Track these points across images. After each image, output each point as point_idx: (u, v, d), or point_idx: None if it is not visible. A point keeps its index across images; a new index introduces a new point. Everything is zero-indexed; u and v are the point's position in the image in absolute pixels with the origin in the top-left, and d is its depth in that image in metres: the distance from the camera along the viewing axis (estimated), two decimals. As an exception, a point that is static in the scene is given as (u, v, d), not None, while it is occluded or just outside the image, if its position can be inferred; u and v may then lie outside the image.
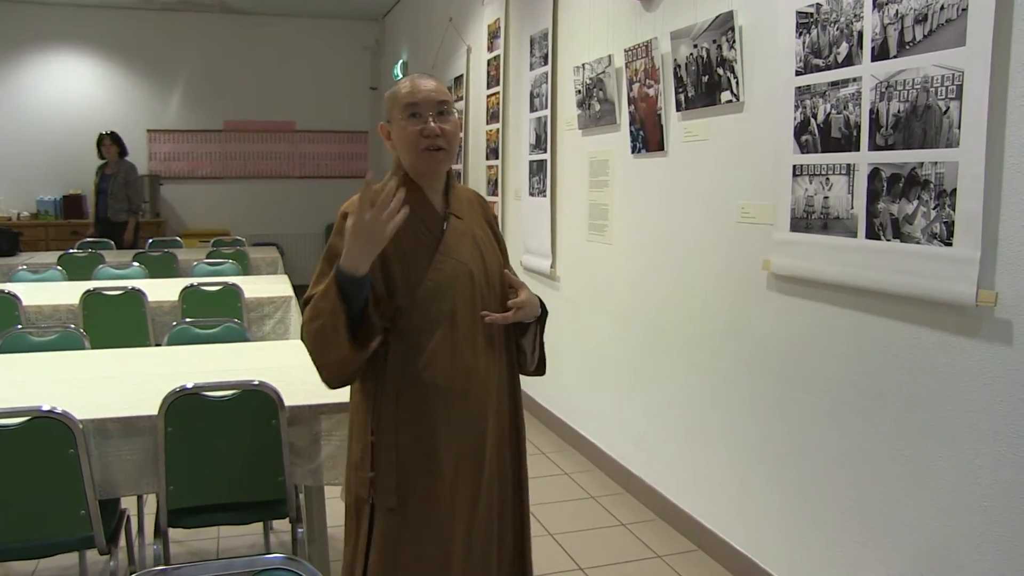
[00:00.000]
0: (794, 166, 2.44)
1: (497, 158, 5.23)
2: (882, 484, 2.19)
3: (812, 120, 2.35)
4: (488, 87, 5.37)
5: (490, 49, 5.30)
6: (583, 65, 3.82)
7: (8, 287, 4.04)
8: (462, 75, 5.96)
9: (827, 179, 2.31)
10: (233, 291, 4.07)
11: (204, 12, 8.69)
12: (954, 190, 1.90)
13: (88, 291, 3.92)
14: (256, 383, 2.20)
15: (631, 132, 3.46)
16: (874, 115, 2.13)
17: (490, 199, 5.26)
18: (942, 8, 1.91)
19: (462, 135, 5.85)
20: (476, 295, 1.76)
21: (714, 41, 2.81)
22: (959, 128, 1.88)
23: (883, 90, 2.09)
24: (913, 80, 2.00)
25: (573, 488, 3.65)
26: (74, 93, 8.49)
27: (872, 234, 2.15)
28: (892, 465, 2.16)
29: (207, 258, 5.59)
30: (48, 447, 2.02)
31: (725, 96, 2.79)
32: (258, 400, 2.20)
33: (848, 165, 2.22)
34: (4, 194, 8.37)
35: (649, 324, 3.41)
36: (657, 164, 3.30)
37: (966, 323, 1.93)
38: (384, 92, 8.63)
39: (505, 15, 4.98)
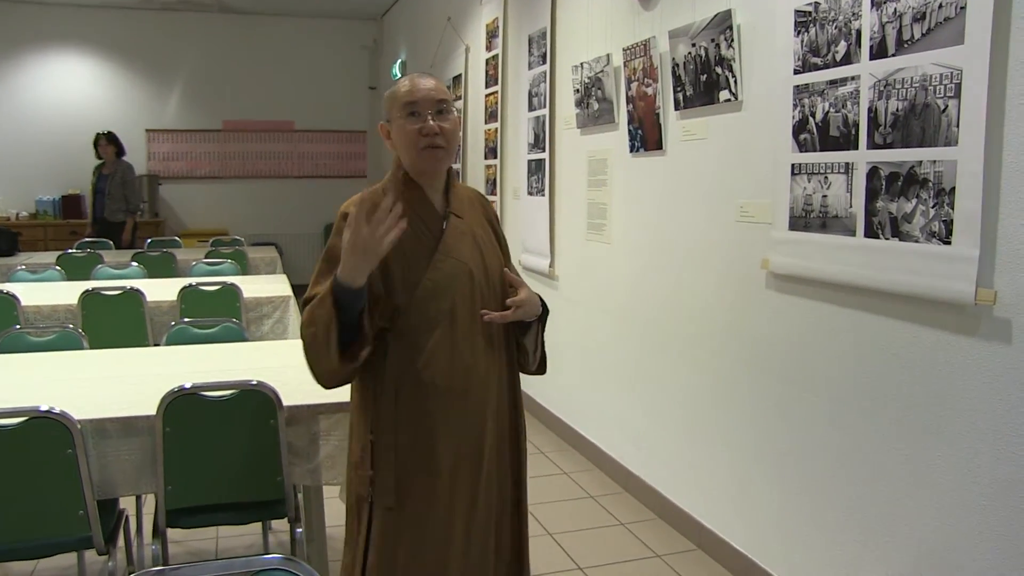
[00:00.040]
0: (792, 165, 2.44)
1: (495, 157, 5.23)
2: (881, 483, 2.19)
3: (811, 119, 2.35)
4: (486, 86, 5.36)
5: (488, 48, 5.29)
6: (581, 64, 3.82)
7: (7, 287, 4.04)
8: (460, 74, 5.96)
9: (826, 178, 2.30)
10: (232, 291, 4.07)
11: (203, 12, 8.69)
12: (953, 188, 1.90)
13: (87, 291, 3.91)
14: (254, 383, 2.20)
15: (629, 131, 3.45)
16: (872, 114, 2.12)
17: (489, 198, 5.26)
18: (940, 6, 1.91)
19: (461, 134, 5.84)
20: (476, 294, 1.76)
21: (712, 40, 2.80)
22: (958, 126, 1.88)
23: (881, 88, 2.09)
24: (911, 78, 2.00)
25: (572, 488, 3.64)
26: (73, 93, 8.48)
27: (871, 233, 2.15)
28: (891, 464, 2.16)
29: (206, 258, 5.58)
30: (46, 447, 2.02)
31: (723, 95, 2.79)
32: (256, 400, 2.20)
33: (847, 164, 2.22)
34: (3, 194, 8.37)
35: (648, 323, 3.41)
36: (656, 163, 3.30)
37: (965, 322, 1.93)
38: (383, 92, 8.57)
39: (503, 14, 4.98)
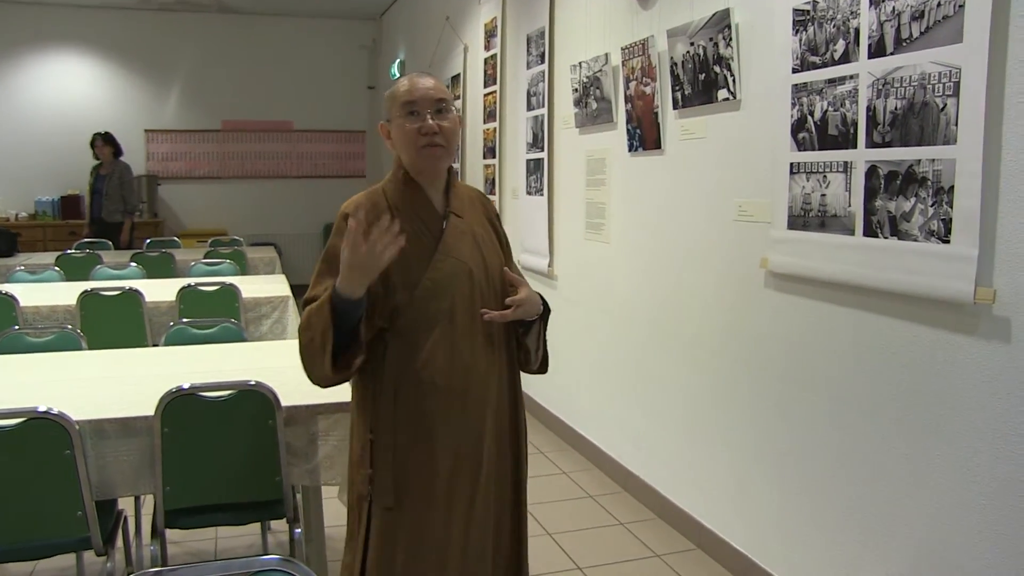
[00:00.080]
0: (791, 164, 2.43)
1: (494, 157, 5.22)
2: (881, 482, 2.19)
3: (809, 117, 2.35)
4: (485, 86, 5.36)
5: (487, 48, 5.29)
6: (580, 63, 3.82)
7: (5, 288, 4.03)
8: (459, 74, 5.96)
9: (824, 177, 2.30)
10: (230, 291, 4.06)
11: (202, 12, 8.68)
12: (951, 187, 1.89)
13: (85, 291, 3.91)
14: (253, 383, 2.20)
15: (628, 130, 3.45)
16: (871, 112, 2.12)
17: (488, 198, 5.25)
18: (939, 5, 1.90)
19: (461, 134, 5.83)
20: (476, 294, 1.76)
21: (711, 39, 2.80)
22: (956, 125, 1.87)
23: (880, 87, 2.09)
24: (910, 77, 1.99)
25: (571, 487, 3.64)
26: (72, 93, 8.48)
27: (870, 232, 2.15)
28: (891, 463, 2.15)
29: (205, 258, 5.58)
30: (44, 448, 2.01)
31: (722, 94, 2.79)
32: (255, 400, 2.20)
33: (845, 163, 2.22)
34: (2, 195, 8.36)
35: (647, 322, 3.40)
36: (654, 162, 3.29)
37: (964, 321, 1.93)
38: (381, 91, 8.55)
39: (502, 14, 4.97)
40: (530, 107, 4.54)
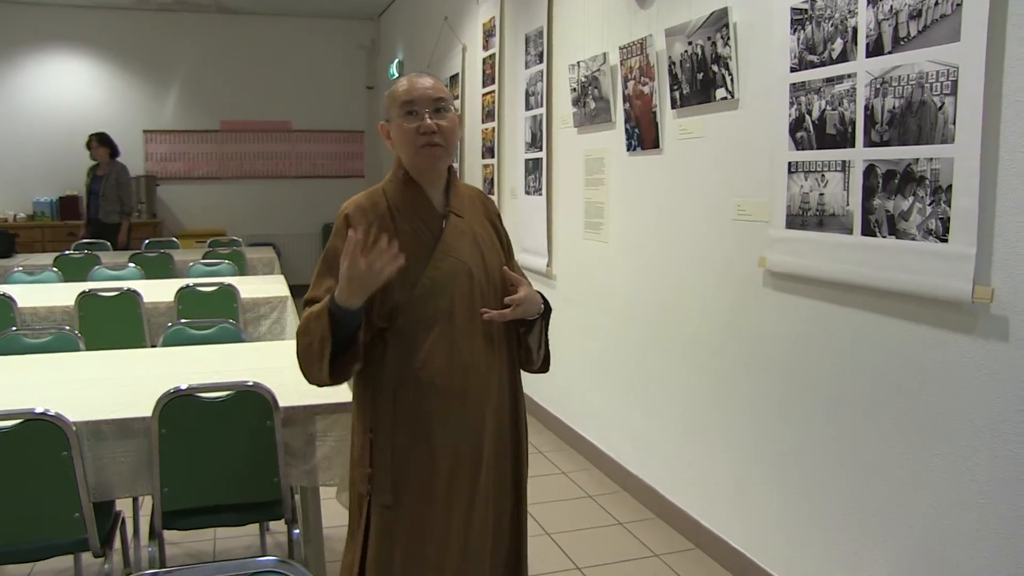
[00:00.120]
0: (789, 163, 2.43)
1: (493, 157, 5.22)
2: (880, 482, 2.18)
3: (807, 117, 2.34)
4: (483, 86, 5.36)
5: (485, 47, 5.29)
6: (578, 63, 3.81)
7: (3, 289, 4.03)
8: (457, 74, 5.95)
9: (822, 176, 2.30)
10: (229, 292, 4.06)
11: (200, 12, 8.67)
12: (949, 186, 1.89)
13: (83, 292, 3.91)
14: (250, 384, 2.19)
15: (626, 130, 3.45)
16: (869, 111, 2.12)
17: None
18: (936, 4, 1.90)
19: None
20: (475, 293, 1.76)
21: (709, 38, 2.80)
22: (954, 124, 1.87)
23: (878, 86, 2.08)
24: (908, 76, 1.99)
25: (570, 487, 3.64)
26: (70, 94, 8.47)
27: (868, 231, 2.14)
28: (889, 463, 2.15)
29: (203, 259, 5.57)
30: (41, 449, 2.01)
31: (720, 93, 2.79)
32: (253, 401, 2.19)
33: (843, 162, 2.22)
34: (0, 195, 8.35)
35: (645, 322, 3.40)
36: (652, 162, 3.29)
37: (962, 319, 1.92)
38: (380, 91, 8.54)
39: (500, 13, 4.97)
40: (528, 107, 4.53)
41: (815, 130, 2.32)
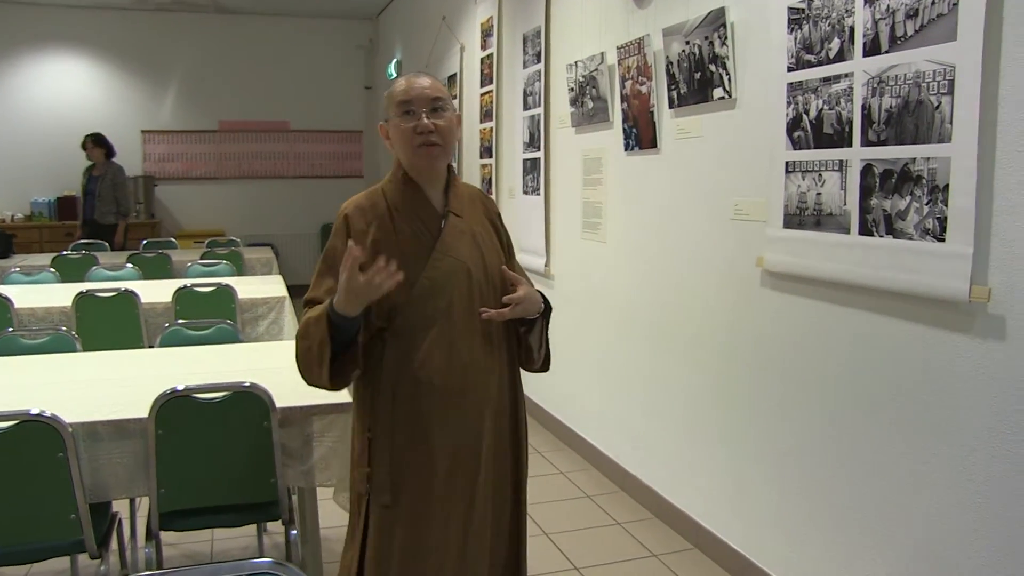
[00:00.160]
0: (787, 162, 2.43)
1: (491, 157, 5.22)
2: (878, 481, 2.18)
3: (804, 116, 2.34)
4: (481, 85, 5.35)
5: (483, 47, 5.28)
6: (576, 63, 3.81)
7: (0, 290, 4.02)
8: (455, 73, 5.95)
9: (820, 175, 2.30)
10: (227, 292, 4.05)
11: (198, 12, 8.66)
12: (947, 185, 1.89)
13: (81, 293, 3.90)
14: (247, 384, 2.19)
15: (624, 130, 3.45)
16: (866, 111, 2.12)
17: (485, 198, 5.24)
18: (933, 3, 1.90)
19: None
20: (474, 293, 1.76)
21: (706, 38, 2.79)
22: (951, 123, 1.87)
23: (875, 85, 2.08)
24: (905, 75, 1.99)
25: (568, 487, 3.64)
26: (68, 94, 8.46)
27: (865, 230, 2.14)
28: (888, 462, 2.15)
29: (201, 259, 5.56)
30: (37, 451, 2.00)
31: (717, 93, 2.78)
32: (249, 402, 2.19)
33: (841, 161, 2.21)
34: (-2, 196, 8.36)
35: (643, 321, 3.40)
36: (650, 162, 3.29)
37: (960, 319, 1.92)
38: (379, 91, 8.53)
39: (498, 13, 4.97)
40: (526, 106, 4.53)
41: (812, 130, 2.31)
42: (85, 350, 3.07)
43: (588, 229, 3.87)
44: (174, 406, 2.13)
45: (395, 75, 7.76)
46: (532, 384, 4.59)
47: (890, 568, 2.15)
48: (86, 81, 8.52)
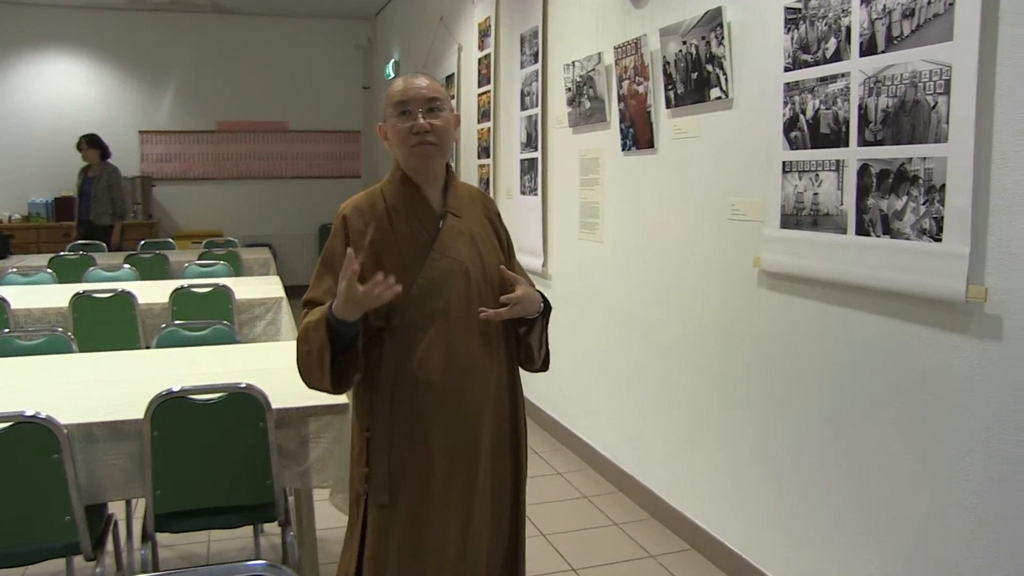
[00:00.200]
0: (784, 162, 2.43)
1: (488, 157, 5.21)
2: (876, 482, 2.18)
3: (801, 116, 2.34)
4: (479, 86, 5.35)
5: (481, 47, 5.28)
6: (573, 63, 3.81)
7: (-3, 290, 4.02)
8: (453, 74, 5.94)
9: (817, 175, 2.29)
10: (224, 293, 4.05)
11: (196, 12, 8.66)
12: (943, 185, 1.89)
13: (78, 294, 3.89)
14: (243, 385, 2.18)
15: (621, 130, 3.44)
16: (863, 110, 2.11)
17: (482, 198, 5.23)
18: (929, 3, 1.90)
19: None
20: (472, 293, 1.76)
21: (703, 38, 2.79)
22: (947, 123, 1.87)
23: (872, 85, 2.08)
24: (901, 75, 1.99)
25: (566, 488, 3.63)
26: (66, 95, 8.45)
27: (862, 230, 2.14)
28: (885, 462, 2.15)
29: (199, 260, 5.56)
30: (32, 453, 2.00)
31: (714, 93, 2.78)
32: (245, 403, 2.18)
33: (837, 161, 2.21)
34: (-5, 197, 8.35)
35: (641, 322, 3.40)
36: (647, 162, 3.28)
37: (956, 319, 1.92)
38: (376, 92, 8.52)
39: (495, 13, 4.96)
40: (524, 107, 4.53)
41: (809, 129, 2.31)
42: (82, 351, 3.06)
43: (585, 229, 3.87)
44: (170, 407, 2.13)
45: (393, 75, 7.76)
46: (529, 384, 4.57)
47: (888, 568, 2.15)
48: (84, 81, 8.51)
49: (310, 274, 1.81)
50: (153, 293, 4.13)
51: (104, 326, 3.85)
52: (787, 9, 2.37)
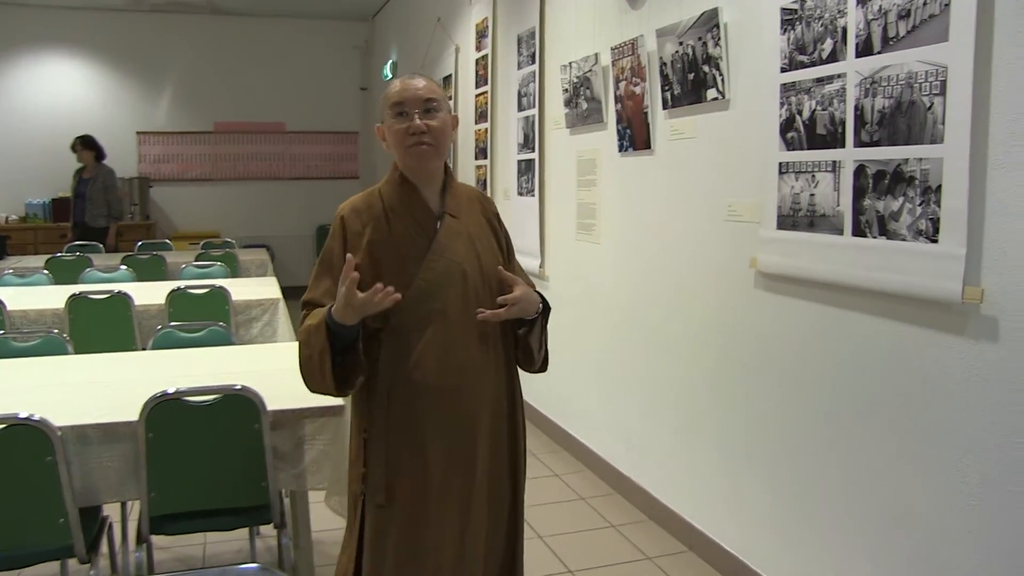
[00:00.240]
0: (780, 163, 2.42)
1: (485, 158, 5.21)
2: (872, 483, 2.18)
3: (797, 117, 2.33)
4: (476, 86, 5.35)
5: (478, 48, 5.27)
6: (570, 64, 3.80)
7: (-7, 292, 4.01)
8: (450, 75, 5.94)
9: (813, 176, 2.29)
10: (220, 294, 4.04)
11: (194, 13, 8.65)
12: (939, 186, 1.88)
13: (74, 295, 3.88)
14: (238, 387, 2.17)
15: (618, 131, 3.44)
16: (859, 111, 2.11)
17: (480, 199, 5.23)
18: (925, 3, 1.89)
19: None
20: (470, 294, 1.76)
21: (699, 38, 2.79)
22: (943, 124, 1.86)
23: (868, 86, 2.08)
24: (897, 76, 1.98)
25: (563, 489, 3.63)
26: (64, 95, 8.44)
27: (858, 231, 2.14)
28: (881, 464, 2.14)
29: (196, 261, 5.55)
30: (25, 455, 1.99)
31: (711, 94, 2.78)
32: (240, 404, 2.18)
33: (834, 162, 2.21)
34: (-7, 197, 8.33)
35: (638, 323, 3.39)
36: (644, 162, 3.28)
37: (953, 320, 1.92)
38: (374, 92, 8.51)
39: (493, 14, 4.96)
40: (521, 108, 4.52)
41: (805, 130, 2.31)
42: (77, 352, 3.05)
43: (582, 230, 3.86)
44: (165, 409, 2.12)
45: (391, 76, 7.76)
46: (527, 386, 4.56)
47: (884, 570, 2.14)
48: (81, 82, 8.50)
49: (307, 275, 1.82)
50: (149, 294, 4.12)
51: (100, 327, 3.84)
52: (783, 10, 2.37)
